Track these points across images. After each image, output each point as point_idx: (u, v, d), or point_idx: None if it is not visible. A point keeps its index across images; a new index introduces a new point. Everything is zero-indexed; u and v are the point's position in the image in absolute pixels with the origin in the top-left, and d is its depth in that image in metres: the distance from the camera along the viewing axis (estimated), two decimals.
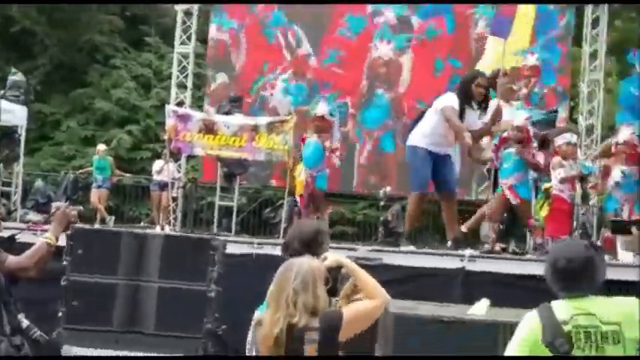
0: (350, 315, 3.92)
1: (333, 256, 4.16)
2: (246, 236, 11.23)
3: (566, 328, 3.64)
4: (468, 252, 8.22)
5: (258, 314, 4.08)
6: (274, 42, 15.80)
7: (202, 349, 7.00)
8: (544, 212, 8.65)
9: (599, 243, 8.63)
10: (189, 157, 15.66)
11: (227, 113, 12.59)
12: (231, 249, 7.81)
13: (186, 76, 15.83)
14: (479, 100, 8.88)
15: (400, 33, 15.47)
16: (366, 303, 4.00)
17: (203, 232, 11.80)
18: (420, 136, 8.96)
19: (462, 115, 8.77)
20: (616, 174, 8.22)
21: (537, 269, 7.87)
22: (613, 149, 8.35)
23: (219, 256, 7.36)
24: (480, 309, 6.45)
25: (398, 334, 6.31)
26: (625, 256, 8.24)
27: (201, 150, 11.88)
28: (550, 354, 3.62)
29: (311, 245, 4.73)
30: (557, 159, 8.60)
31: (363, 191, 15.68)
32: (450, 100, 8.86)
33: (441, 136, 8.85)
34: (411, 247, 8.63)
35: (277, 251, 6.71)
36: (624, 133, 8.23)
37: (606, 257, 8.19)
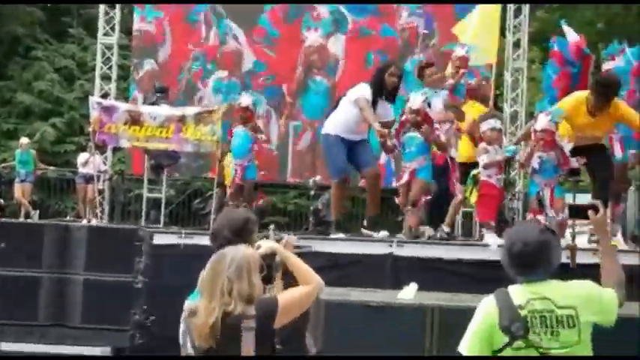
0: (285, 302, 3.91)
1: (267, 243, 4.18)
2: (175, 228, 11.11)
3: (523, 312, 3.67)
4: (396, 237, 8.27)
5: (188, 304, 4.02)
6: (197, 28, 15.56)
7: (130, 340, 6.90)
8: (473, 198, 8.75)
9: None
10: (116, 149, 15.43)
11: (153, 104, 12.44)
12: (159, 240, 7.72)
13: (110, 68, 15.58)
14: (390, 90, 8.94)
15: (324, 18, 15.42)
16: (301, 289, 4.01)
17: (131, 225, 11.64)
18: (333, 125, 9.00)
19: (374, 104, 8.82)
20: (534, 161, 8.38)
21: (465, 254, 8.01)
22: (532, 136, 8.49)
23: (146, 247, 7.28)
24: (409, 293, 6.50)
25: (328, 320, 6.34)
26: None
27: (127, 142, 11.71)
28: (506, 338, 3.65)
29: (241, 233, 4.66)
30: (482, 145, 8.70)
31: (297, 181, 15.63)
32: (363, 90, 8.90)
33: (355, 125, 8.89)
34: (341, 235, 8.65)
35: (206, 241, 6.64)
36: (541, 121, 8.34)
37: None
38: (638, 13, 22.88)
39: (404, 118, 8.91)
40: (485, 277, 7.63)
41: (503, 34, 15.83)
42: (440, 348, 6.20)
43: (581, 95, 8.41)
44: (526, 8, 15.64)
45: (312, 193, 12.28)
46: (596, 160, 8.46)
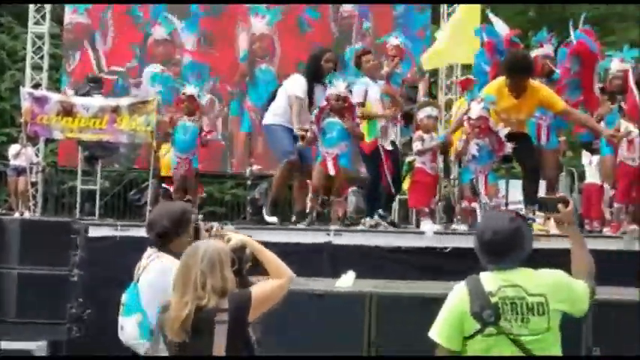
0: (258, 295, 3.92)
1: (237, 236, 4.17)
2: (111, 220, 10.97)
3: (494, 299, 3.69)
4: (333, 226, 8.28)
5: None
6: (140, 22, 15.29)
7: (67, 334, 6.80)
8: (406, 184, 8.83)
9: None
10: (48, 141, 15.16)
11: (86, 95, 12.25)
12: (94, 232, 7.62)
13: (41, 57, 15.26)
14: (326, 76, 8.88)
15: (275, 7, 15.20)
16: (273, 282, 4.02)
17: (65, 217, 11.46)
18: (273, 115, 8.97)
19: (311, 92, 8.82)
20: (472, 148, 8.45)
21: (402, 241, 8.07)
22: (466, 124, 8.57)
23: (81, 239, 7.17)
24: (347, 281, 6.53)
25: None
26: None
27: (60, 133, 11.49)
28: (477, 325, 3.68)
29: (179, 224, 4.72)
30: (418, 133, 8.79)
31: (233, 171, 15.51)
32: (296, 85, 8.90)
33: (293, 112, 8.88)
34: (274, 219, 8.60)
35: (142, 233, 6.57)
36: (475, 109, 8.42)
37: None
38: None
39: (324, 103, 8.78)
40: (422, 264, 7.73)
41: (437, 22, 16.01)
42: (379, 334, 6.26)
43: (503, 79, 8.51)
44: None
45: (249, 182, 12.25)
46: (522, 148, 8.58)
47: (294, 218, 8.99)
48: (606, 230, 8.77)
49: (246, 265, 4.10)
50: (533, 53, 9.22)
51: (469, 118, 8.43)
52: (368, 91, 9.26)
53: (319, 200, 8.74)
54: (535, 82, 8.45)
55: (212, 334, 3.77)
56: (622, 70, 8.82)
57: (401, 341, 6.20)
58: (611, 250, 7.71)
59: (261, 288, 3.98)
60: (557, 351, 3.78)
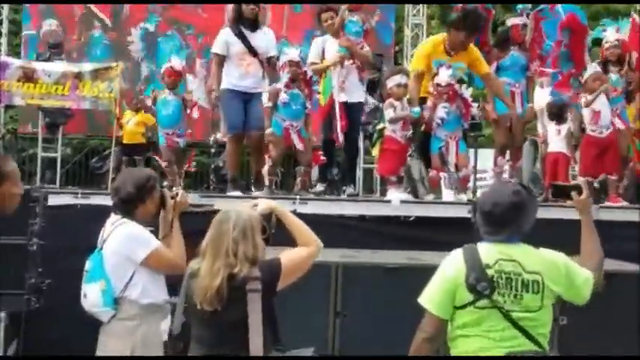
0: (288, 263, 3.88)
1: (265, 202, 4.08)
2: (71, 188, 10.79)
3: (490, 272, 3.66)
4: (298, 195, 8.19)
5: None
6: None
7: (26, 305, 6.67)
8: (375, 151, 8.78)
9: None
10: (8, 107, 14.86)
11: (47, 60, 12.00)
12: (54, 200, 7.46)
13: (0, 23, 14.97)
14: (252, 18, 8.52)
15: None
16: (301, 251, 3.97)
17: (25, 185, 11.23)
18: (225, 76, 8.63)
19: (244, 38, 8.47)
20: (440, 111, 8.44)
21: (368, 210, 8.00)
22: (432, 90, 8.56)
23: (40, 208, 7.01)
24: None
25: None
26: (447, 194, 8.50)
27: (21, 99, 11.23)
28: (470, 296, 3.64)
29: (144, 190, 4.72)
30: (388, 100, 8.69)
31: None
32: (215, 44, 8.67)
33: (238, 74, 8.52)
34: (238, 193, 8.51)
35: (103, 201, 6.46)
36: (443, 75, 8.45)
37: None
38: None
39: (286, 72, 8.61)
40: (388, 233, 7.68)
41: (401, 22, 15.95)
42: (345, 304, 6.21)
43: (437, 36, 8.91)
44: None
45: (213, 150, 12.12)
46: None
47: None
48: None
49: (272, 232, 4.01)
50: (512, 21, 9.22)
51: (437, 85, 8.42)
52: (325, 48, 9.03)
53: (277, 172, 8.68)
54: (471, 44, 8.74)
55: (245, 303, 3.69)
56: (619, 39, 8.92)
57: (367, 311, 6.15)
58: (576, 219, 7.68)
59: (290, 257, 3.92)
60: (547, 331, 3.73)
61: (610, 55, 9.00)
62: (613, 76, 8.94)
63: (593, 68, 8.83)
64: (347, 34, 8.89)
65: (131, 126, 12.21)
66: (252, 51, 8.51)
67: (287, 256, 3.92)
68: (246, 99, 8.49)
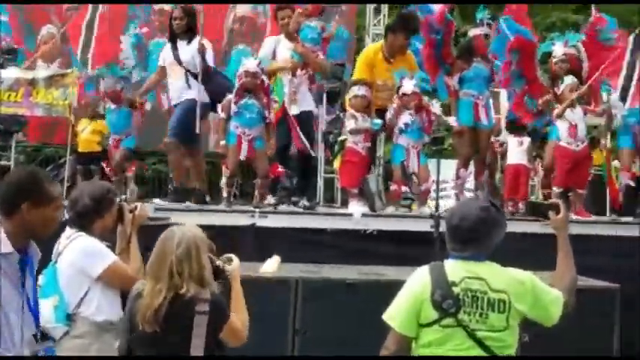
0: (232, 321, 3.79)
1: (237, 263, 4.01)
2: None
3: (456, 289, 3.58)
4: (257, 208, 8.04)
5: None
6: None
7: None
8: (337, 163, 8.69)
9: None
10: None
11: (0, 67, 11.74)
12: None
13: None
14: (179, 32, 8.73)
15: None
16: (238, 326, 3.86)
17: None
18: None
19: (176, 51, 8.71)
20: (405, 117, 8.41)
21: (329, 223, 7.90)
22: (396, 100, 8.54)
23: None
24: (272, 266, 6.36)
25: None
26: (425, 210, 8.42)
27: None
28: (435, 313, 3.58)
29: (101, 202, 4.61)
30: (349, 111, 8.61)
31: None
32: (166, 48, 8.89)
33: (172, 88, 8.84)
34: (188, 204, 8.34)
35: None
36: (407, 85, 8.44)
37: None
38: None
39: (240, 82, 8.43)
40: (350, 247, 7.59)
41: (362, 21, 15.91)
42: (305, 321, 6.10)
43: (375, 44, 9.20)
44: None
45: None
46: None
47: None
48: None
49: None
50: (473, 32, 9.21)
51: (403, 95, 8.39)
52: (277, 49, 8.93)
53: (235, 183, 8.54)
54: (408, 50, 8.96)
55: (190, 327, 3.58)
56: (567, 53, 8.94)
57: (327, 328, 6.05)
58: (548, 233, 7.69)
59: (235, 318, 3.82)
60: (512, 351, 3.67)
61: (559, 70, 9.03)
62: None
63: (570, 80, 8.83)
64: (302, 40, 8.73)
65: (86, 134, 11.95)
66: (180, 62, 8.70)
67: (234, 317, 3.84)
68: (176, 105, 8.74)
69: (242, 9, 12.73)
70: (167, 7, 10.09)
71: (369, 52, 9.36)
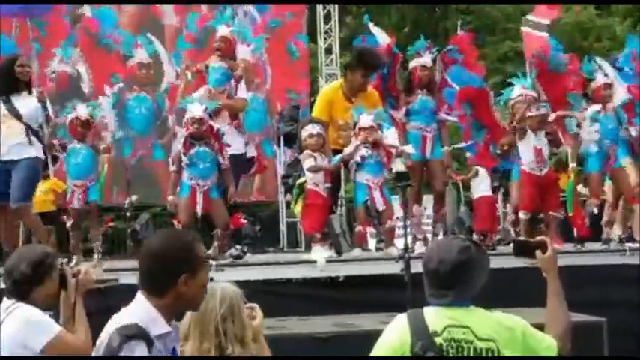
0: None
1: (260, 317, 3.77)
2: None
3: (438, 340, 3.26)
4: (214, 262, 7.64)
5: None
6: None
7: None
8: (298, 208, 8.35)
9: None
10: None
11: None
12: None
13: None
14: (23, 81, 7.85)
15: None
16: None
17: None
18: None
19: (11, 103, 7.80)
20: (362, 150, 8.15)
21: (293, 272, 7.55)
22: (353, 135, 8.30)
23: None
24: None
25: None
26: (392, 250, 8.08)
27: None
28: None
29: (41, 270, 4.24)
30: (306, 152, 8.30)
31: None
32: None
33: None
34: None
35: None
36: (365, 120, 8.23)
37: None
38: (442, 13, 23.93)
39: (189, 131, 8.01)
40: (316, 296, 7.26)
41: (314, 40, 15.90)
42: None
43: (335, 82, 9.12)
44: (335, 14, 16.02)
45: (129, 214, 11.54)
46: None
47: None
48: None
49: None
50: (412, 64, 9.02)
51: (360, 128, 8.21)
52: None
53: None
54: (370, 87, 8.79)
55: None
56: (523, 93, 8.82)
57: None
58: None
59: None
60: None
61: (517, 112, 8.84)
62: None
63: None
64: (208, 83, 8.65)
65: (39, 194, 11.50)
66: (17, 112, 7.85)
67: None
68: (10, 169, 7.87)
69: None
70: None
71: (328, 90, 9.25)
